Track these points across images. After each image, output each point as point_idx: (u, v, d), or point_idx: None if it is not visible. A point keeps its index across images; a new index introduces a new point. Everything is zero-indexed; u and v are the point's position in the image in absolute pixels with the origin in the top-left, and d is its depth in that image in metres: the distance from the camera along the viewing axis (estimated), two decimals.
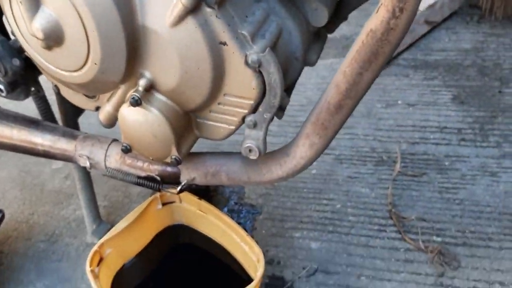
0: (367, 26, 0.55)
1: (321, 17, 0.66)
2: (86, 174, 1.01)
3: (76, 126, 1.00)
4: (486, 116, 1.22)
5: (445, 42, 1.53)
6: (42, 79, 0.82)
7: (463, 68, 1.41)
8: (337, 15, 0.74)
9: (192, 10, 0.53)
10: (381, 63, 0.56)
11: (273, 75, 0.58)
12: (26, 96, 0.85)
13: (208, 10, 0.54)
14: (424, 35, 1.53)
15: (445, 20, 1.63)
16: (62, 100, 0.99)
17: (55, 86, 0.80)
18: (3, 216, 1.00)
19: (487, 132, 1.17)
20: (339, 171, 1.12)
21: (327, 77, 1.44)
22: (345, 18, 0.77)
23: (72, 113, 0.99)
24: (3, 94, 0.79)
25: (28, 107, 0.98)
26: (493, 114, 1.23)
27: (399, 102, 1.30)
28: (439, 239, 0.94)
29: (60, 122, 0.99)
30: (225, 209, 1.06)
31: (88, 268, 0.77)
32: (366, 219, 1.00)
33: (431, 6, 1.52)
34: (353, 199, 1.04)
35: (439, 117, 1.24)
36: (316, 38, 0.72)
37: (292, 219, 1.02)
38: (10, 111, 0.85)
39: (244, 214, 1.05)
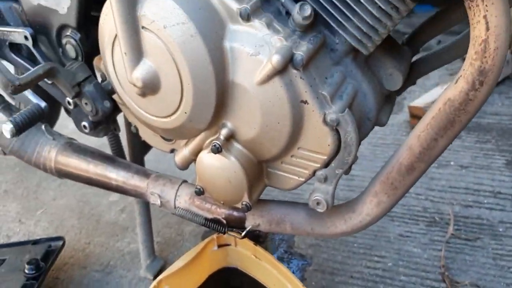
0: (445, 95, 0.58)
1: (395, 82, 0.70)
2: (146, 210, 1.06)
3: (142, 162, 1.06)
4: None
5: (498, 106, 1.54)
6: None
7: None
8: (407, 79, 0.78)
9: (280, 71, 0.58)
10: (457, 131, 0.59)
11: (350, 134, 0.61)
12: (105, 134, 0.91)
13: (294, 71, 0.59)
14: None
15: (498, 84, 1.64)
16: (131, 139, 1.06)
17: (134, 126, 0.87)
18: (63, 243, 1.06)
19: None
20: (390, 228, 1.12)
21: (378, 131, 1.47)
22: (414, 83, 0.80)
23: (139, 150, 1.06)
24: (87, 131, 0.86)
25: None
26: None
27: (452, 163, 1.31)
28: None
29: (128, 157, 1.06)
30: (274, 256, 1.08)
31: None
32: (418, 280, 0.99)
33: None
34: (404, 258, 1.04)
35: (493, 181, 1.23)
36: (388, 100, 0.76)
37: (342, 273, 1.02)
38: (88, 146, 0.92)
39: (293, 264, 1.06)
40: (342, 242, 1.09)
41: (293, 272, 1.05)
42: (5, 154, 1.04)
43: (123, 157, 1.03)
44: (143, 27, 0.61)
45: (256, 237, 1.14)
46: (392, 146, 1.38)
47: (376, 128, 1.51)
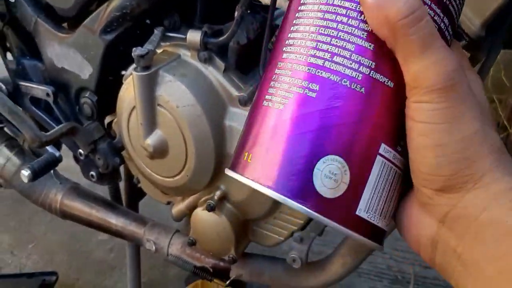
0: None
1: None
2: (136, 253, 1.15)
3: (136, 208, 1.16)
4: None
5: None
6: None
7: None
8: None
9: None
10: None
11: None
12: (109, 184, 1.02)
13: None
14: None
15: None
16: (129, 186, 1.17)
17: (137, 178, 0.98)
18: (57, 278, 1.13)
19: None
20: (357, 283, 1.23)
21: None
22: None
23: (135, 197, 1.17)
24: (94, 180, 0.97)
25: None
26: None
27: None
28: None
29: (124, 202, 1.16)
30: None
31: None
32: None
33: None
34: None
35: None
36: None
37: None
38: (92, 191, 1.03)
39: None
40: None
41: None
42: (0, 186, 1.14)
43: (120, 201, 1.13)
44: (159, 105, 0.74)
45: (237, 283, 1.23)
46: None
47: None
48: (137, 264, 1.15)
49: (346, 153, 0.29)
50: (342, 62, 0.29)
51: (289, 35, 0.32)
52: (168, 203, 0.94)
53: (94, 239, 1.40)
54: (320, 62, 0.29)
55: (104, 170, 0.89)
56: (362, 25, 0.29)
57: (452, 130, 0.27)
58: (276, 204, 0.76)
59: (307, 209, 0.29)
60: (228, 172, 0.34)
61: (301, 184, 0.29)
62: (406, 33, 0.26)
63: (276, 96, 0.31)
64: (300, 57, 0.30)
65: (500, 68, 1.79)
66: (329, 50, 0.29)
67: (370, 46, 0.29)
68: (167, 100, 0.72)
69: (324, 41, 0.30)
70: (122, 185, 1.13)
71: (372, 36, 0.29)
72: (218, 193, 0.78)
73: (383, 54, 0.29)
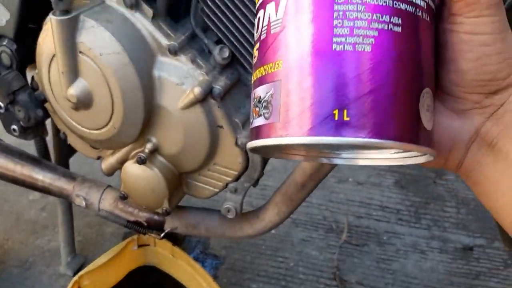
0: None
1: None
2: (68, 209, 1.11)
3: (67, 166, 1.11)
4: (421, 202, 1.43)
5: None
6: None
7: None
8: None
9: (201, 100, 0.69)
10: None
11: (256, 156, 0.74)
12: (34, 137, 0.96)
13: (213, 101, 0.70)
14: None
15: None
16: (58, 142, 1.11)
17: (63, 133, 0.93)
18: None
19: (421, 215, 1.38)
20: (294, 233, 1.27)
21: None
22: None
23: (65, 154, 1.11)
24: (16, 134, 0.91)
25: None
26: (427, 200, 1.44)
27: (350, 179, 1.50)
28: None
29: (53, 160, 1.10)
30: (191, 256, 1.18)
31: None
32: (314, 279, 1.15)
33: None
34: (304, 260, 1.19)
35: (382, 197, 1.43)
36: None
37: (250, 271, 1.15)
38: (16, 147, 0.96)
39: (208, 263, 1.17)
40: (252, 245, 1.23)
41: (207, 270, 1.16)
42: None
43: (49, 159, 1.08)
44: (80, 52, 0.69)
45: (175, 238, 1.24)
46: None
47: None
48: (70, 221, 1.11)
49: (431, 84, 0.30)
50: None
51: None
52: (99, 158, 0.90)
53: (25, 199, 1.33)
54: None
55: (26, 123, 0.84)
56: None
57: (508, 37, 0.30)
58: (209, 155, 0.75)
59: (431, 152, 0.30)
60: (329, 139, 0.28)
61: (414, 126, 0.29)
62: None
63: (353, 37, 0.27)
64: None
65: None
66: None
67: None
68: (89, 48, 0.68)
69: None
70: (51, 141, 1.08)
71: None
72: (149, 145, 0.76)
73: None
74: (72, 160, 1.14)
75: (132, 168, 0.77)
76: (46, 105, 0.84)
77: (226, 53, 0.70)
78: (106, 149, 0.83)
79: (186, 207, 0.88)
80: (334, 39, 0.27)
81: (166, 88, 0.70)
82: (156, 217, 0.86)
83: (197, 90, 0.67)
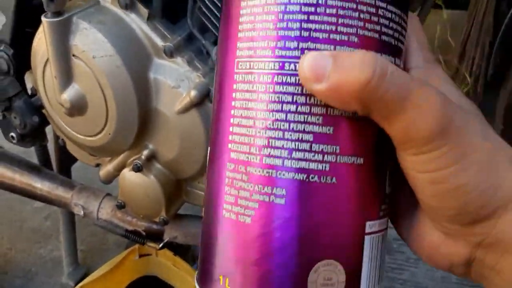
0: None
1: None
2: (70, 219, 1.09)
3: (69, 173, 1.09)
4: None
5: None
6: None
7: None
8: None
9: (197, 104, 0.67)
10: None
11: None
12: (33, 145, 0.95)
13: (210, 105, 0.67)
14: None
15: None
16: (59, 149, 1.09)
17: (62, 140, 0.91)
18: None
19: None
20: None
21: None
22: None
23: (66, 161, 1.09)
24: (14, 141, 0.89)
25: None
26: None
27: None
28: None
29: (54, 167, 1.08)
30: (194, 266, 1.15)
31: None
32: None
33: None
34: None
35: None
36: None
37: None
38: (16, 155, 0.95)
39: None
40: None
41: None
42: None
43: (50, 166, 1.06)
44: (74, 55, 0.67)
45: (179, 246, 1.21)
46: None
47: None
48: (72, 231, 1.09)
49: (334, 253, 0.26)
50: (304, 157, 0.25)
51: (231, 130, 0.26)
52: (97, 165, 0.88)
53: (29, 207, 1.32)
54: (278, 162, 0.25)
55: (22, 130, 0.82)
56: (314, 109, 0.25)
57: (466, 166, 0.24)
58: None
59: None
60: None
61: None
62: (378, 95, 0.23)
63: (237, 206, 0.26)
64: (254, 159, 0.25)
65: (446, 29, 1.80)
66: (284, 146, 0.25)
67: (329, 130, 0.25)
68: (82, 50, 0.66)
69: (277, 136, 0.25)
70: (52, 149, 1.06)
71: (327, 118, 0.25)
72: (145, 152, 0.73)
73: (344, 132, 0.25)
74: (76, 166, 1.12)
75: (128, 175, 0.75)
76: (44, 111, 0.83)
77: None
78: (103, 156, 0.81)
79: (186, 215, 0.85)
80: (224, 206, 0.27)
81: (162, 91, 0.68)
82: (155, 226, 0.83)
83: (193, 93, 0.65)
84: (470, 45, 1.73)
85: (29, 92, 0.85)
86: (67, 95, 0.69)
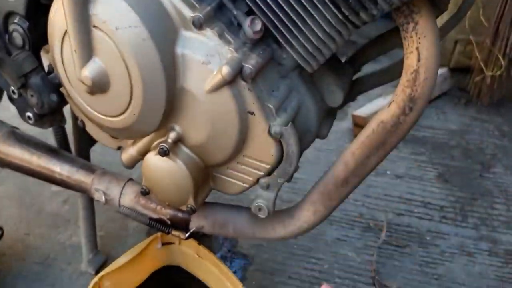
0: (379, 117, 0.63)
1: (336, 98, 0.74)
2: (89, 204, 1.05)
3: (87, 156, 1.05)
4: (467, 197, 1.31)
5: (434, 120, 1.64)
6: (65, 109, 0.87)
7: (449, 148, 1.51)
8: (347, 96, 0.83)
9: (229, 82, 0.61)
10: (388, 150, 0.64)
11: (292, 147, 0.65)
12: (51, 125, 0.89)
13: (243, 83, 0.61)
14: None
15: (435, 99, 1.75)
16: (77, 131, 1.04)
17: (81, 121, 0.86)
18: (2, 233, 1.02)
19: (467, 213, 1.26)
20: (328, 231, 1.18)
21: None
22: (354, 99, 0.85)
23: (85, 143, 1.05)
24: (31, 122, 0.84)
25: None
26: (473, 196, 1.32)
27: (388, 172, 1.39)
28: None
29: (73, 149, 1.04)
30: (218, 254, 1.10)
31: None
32: (351, 283, 1.05)
33: None
34: (340, 261, 1.10)
35: (424, 192, 1.32)
36: (329, 114, 0.80)
37: (281, 273, 1.06)
38: (32, 137, 0.90)
39: (236, 263, 1.09)
40: (283, 244, 1.14)
41: (235, 271, 1.08)
42: None
43: (68, 149, 1.01)
44: (94, 26, 0.61)
45: (201, 236, 1.16)
46: (335, 152, 1.44)
47: None
48: (91, 216, 1.05)
49: None
50: None
51: None
52: (119, 148, 0.83)
53: (47, 191, 1.28)
54: None
55: (39, 110, 0.77)
56: None
57: None
58: (239, 146, 0.66)
59: None
60: None
61: None
62: None
63: None
64: None
65: (478, 7, 1.69)
66: None
67: None
68: (104, 20, 0.60)
69: None
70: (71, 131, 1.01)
71: None
72: (172, 135, 0.68)
73: None
74: (95, 149, 1.08)
75: (153, 160, 0.70)
76: (62, 89, 0.77)
77: (258, 26, 0.61)
78: (126, 138, 0.76)
79: (213, 203, 0.80)
80: None
81: (190, 68, 0.62)
82: (180, 214, 0.78)
83: (225, 70, 0.58)
84: (504, 25, 1.63)
85: (46, 70, 0.80)
86: (88, 70, 0.64)
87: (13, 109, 0.83)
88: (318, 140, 1.52)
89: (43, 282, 1.03)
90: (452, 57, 1.86)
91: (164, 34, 0.61)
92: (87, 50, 0.62)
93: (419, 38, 0.57)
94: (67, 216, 1.20)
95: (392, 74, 0.80)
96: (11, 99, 0.85)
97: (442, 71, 1.77)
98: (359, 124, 1.53)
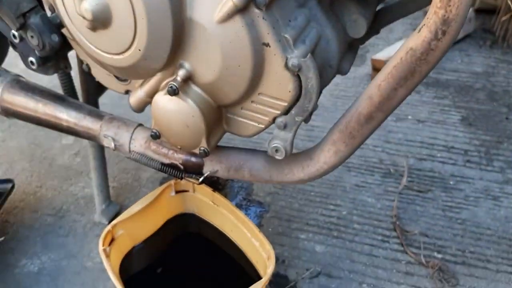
0: (407, 44, 0.57)
1: (359, 28, 0.68)
2: (101, 154, 1.02)
3: (96, 105, 1.01)
4: (492, 141, 1.25)
5: (457, 63, 1.56)
6: (70, 55, 0.83)
7: (473, 91, 1.44)
8: (371, 28, 0.76)
9: (241, 9, 0.55)
10: (417, 81, 0.58)
11: (311, 81, 0.60)
12: (55, 71, 0.86)
13: (256, 11, 0.56)
14: None
15: (458, 41, 1.66)
16: (85, 79, 1.00)
17: (86, 65, 0.82)
18: (13, 186, 1.01)
19: (492, 156, 1.21)
20: (346, 178, 1.14)
21: (339, 83, 1.46)
22: (378, 32, 0.79)
23: (93, 92, 1.01)
24: (34, 67, 0.81)
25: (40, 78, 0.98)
26: (499, 139, 1.26)
27: (409, 117, 1.33)
28: (439, 255, 0.97)
29: (81, 99, 1.00)
30: (233, 203, 1.08)
31: (100, 247, 0.79)
32: (371, 229, 1.02)
33: None
34: (359, 208, 1.07)
35: (447, 136, 1.26)
36: (350, 48, 0.74)
37: (298, 220, 1.04)
38: (37, 84, 0.86)
39: (251, 211, 1.07)
40: (299, 191, 1.11)
41: (250, 219, 1.06)
42: None
43: (76, 97, 0.98)
44: None
45: (215, 183, 1.14)
46: (353, 98, 1.37)
47: (338, 80, 1.52)
48: (103, 167, 1.02)
49: None
50: None
51: None
52: (127, 92, 0.79)
53: (58, 144, 1.26)
54: None
55: (41, 51, 0.73)
56: None
57: None
58: (253, 83, 0.61)
59: None
60: None
61: None
62: None
63: None
64: None
65: None
66: None
67: None
68: None
69: None
70: (78, 80, 0.97)
71: None
72: (181, 72, 0.63)
73: None
74: (105, 101, 1.04)
75: (162, 100, 0.65)
76: (65, 31, 0.73)
77: None
78: (132, 78, 0.71)
79: (228, 147, 0.76)
80: None
81: None
82: (193, 158, 0.75)
83: None
84: None
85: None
86: (88, 3, 0.58)
87: (21, 65, 0.79)
88: (335, 86, 1.47)
89: (56, 233, 1.02)
90: None
91: None
92: None
93: None
94: (79, 168, 1.19)
95: (420, 1, 0.73)
96: (13, 45, 0.81)
97: None
98: (378, 69, 1.47)
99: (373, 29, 0.76)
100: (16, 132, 1.31)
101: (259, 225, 1.03)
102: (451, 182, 1.13)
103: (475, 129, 1.29)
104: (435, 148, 1.23)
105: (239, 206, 1.08)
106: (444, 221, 1.04)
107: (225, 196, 1.10)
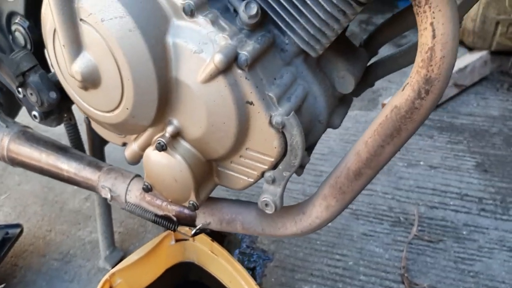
0: (392, 102, 0.56)
1: (347, 85, 0.68)
2: (105, 201, 1.03)
3: (102, 154, 1.04)
4: (508, 188, 1.20)
5: (473, 107, 1.53)
6: (74, 107, 0.86)
7: (489, 136, 1.40)
8: (364, 81, 0.76)
9: (223, 70, 0.56)
10: (404, 139, 0.57)
11: (296, 138, 0.59)
12: (59, 123, 0.89)
13: (239, 71, 0.56)
14: (452, 98, 1.53)
15: (474, 84, 1.62)
16: (90, 130, 1.03)
17: (87, 118, 0.84)
18: (21, 231, 1.04)
19: (508, 205, 1.15)
20: (354, 226, 1.11)
21: (350, 128, 1.45)
22: (372, 85, 0.78)
23: (99, 142, 1.03)
24: (37, 121, 0.84)
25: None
26: None
27: (421, 163, 1.30)
28: None
29: (87, 148, 1.03)
30: (237, 251, 1.07)
31: None
32: (377, 281, 0.98)
33: (461, 70, 1.53)
34: (366, 258, 1.03)
35: (461, 183, 1.22)
36: (341, 102, 0.74)
37: (302, 270, 1.01)
38: (43, 135, 0.89)
39: (255, 259, 1.05)
40: (305, 239, 1.09)
41: (254, 268, 1.04)
42: None
43: (81, 147, 1.00)
44: (81, 19, 0.58)
45: (215, 232, 1.13)
46: None
47: (349, 124, 1.51)
48: (108, 213, 1.04)
49: None
50: None
51: None
52: (124, 144, 0.81)
53: (70, 188, 1.30)
54: None
55: (40, 108, 0.76)
56: None
57: None
58: (240, 139, 0.62)
59: None
60: None
61: None
62: None
63: None
64: None
65: None
66: None
67: None
68: (90, 13, 0.57)
69: None
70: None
71: None
72: (169, 129, 0.64)
73: None
74: (113, 146, 1.06)
75: (152, 155, 0.66)
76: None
77: (254, 10, 0.56)
78: (124, 134, 0.73)
79: (221, 199, 0.76)
80: None
81: (182, 58, 0.58)
82: (186, 211, 0.75)
83: (218, 58, 0.54)
84: None
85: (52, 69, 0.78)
86: (78, 65, 0.61)
87: None
88: (346, 131, 1.46)
89: (61, 278, 1.03)
90: (494, 39, 1.73)
91: (153, 24, 0.57)
92: (76, 45, 0.60)
93: (433, 12, 0.50)
94: (88, 213, 1.21)
95: (411, 56, 0.72)
96: (19, 99, 0.85)
97: (482, 54, 1.65)
98: None
99: (366, 83, 0.75)
100: (31, 176, 1.36)
101: (262, 275, 1.01)
102: (464, 232, 1.08)
103: (490, 176, 1.24)
104: (447, 196, 1.19)
105: (243, 253, 1.07)
106: (455, 274, 0.99)
107: (230, 243, 1.10)
